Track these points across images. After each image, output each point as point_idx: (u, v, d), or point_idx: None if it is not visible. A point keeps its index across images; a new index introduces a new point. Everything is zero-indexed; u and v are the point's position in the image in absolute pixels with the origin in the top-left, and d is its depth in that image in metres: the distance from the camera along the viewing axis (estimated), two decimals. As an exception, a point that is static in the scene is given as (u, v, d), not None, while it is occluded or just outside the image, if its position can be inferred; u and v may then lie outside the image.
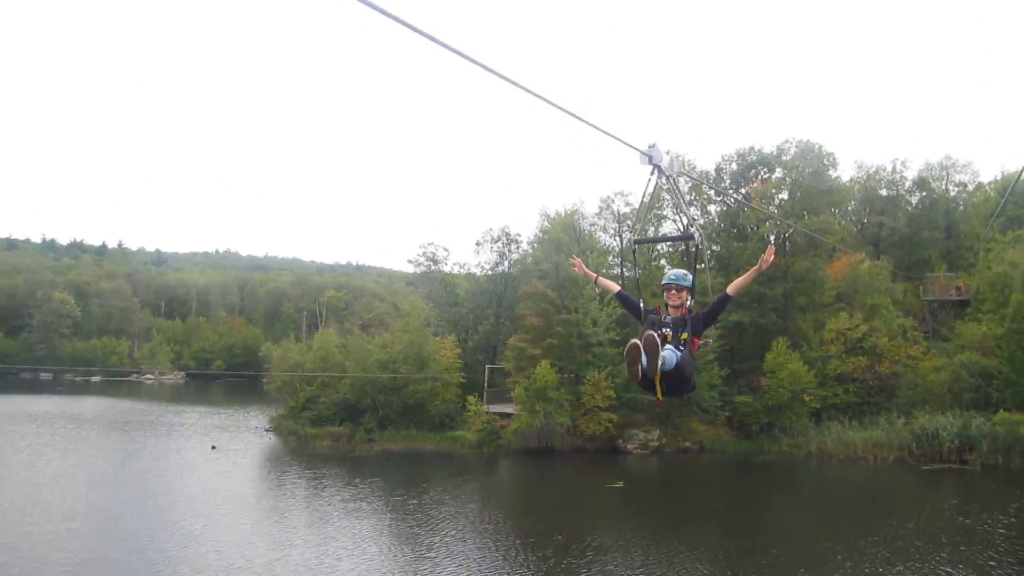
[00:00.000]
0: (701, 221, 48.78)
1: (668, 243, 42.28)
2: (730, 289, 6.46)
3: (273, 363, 46.70)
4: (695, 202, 50.08)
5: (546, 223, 52.79)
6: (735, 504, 30.93)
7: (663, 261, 48.50)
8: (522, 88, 4.40)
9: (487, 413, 39.12)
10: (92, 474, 32.73)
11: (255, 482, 32.27)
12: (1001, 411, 35.68)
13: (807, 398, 39.48)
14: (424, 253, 54.60)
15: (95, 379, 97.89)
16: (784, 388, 39.38)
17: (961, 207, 58.47)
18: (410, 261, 57.62)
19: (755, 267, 6.18)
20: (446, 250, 54.87)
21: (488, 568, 19.97)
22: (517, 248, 50.11)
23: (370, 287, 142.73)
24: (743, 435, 40.25)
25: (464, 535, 23.59)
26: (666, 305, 6.19)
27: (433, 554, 21.26)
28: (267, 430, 44.09)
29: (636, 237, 8.73)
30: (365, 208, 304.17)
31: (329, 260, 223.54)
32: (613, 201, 49.55)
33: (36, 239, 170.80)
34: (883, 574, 19.36)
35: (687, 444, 38.69)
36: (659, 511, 28.75)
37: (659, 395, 5.76)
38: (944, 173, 61.65)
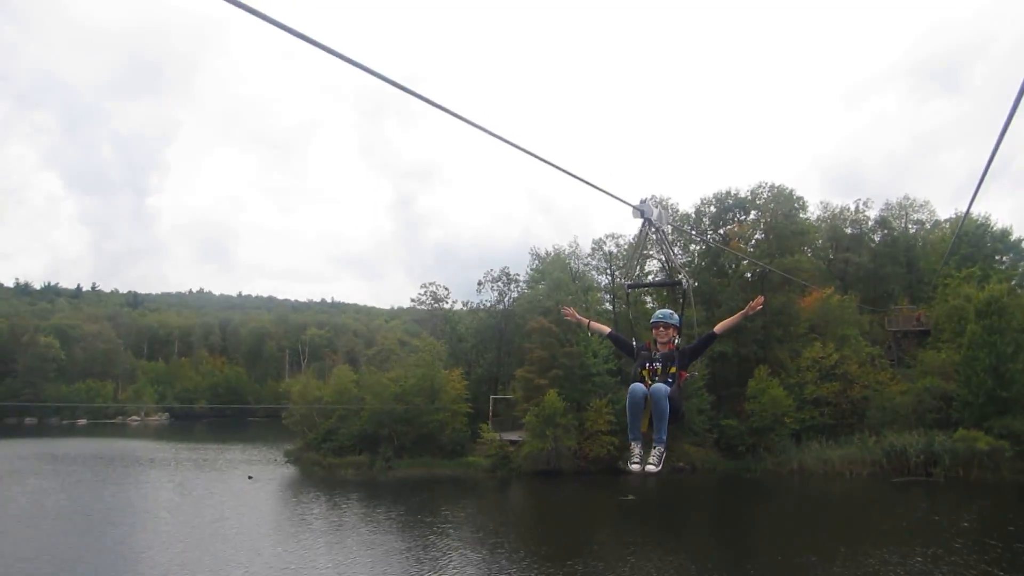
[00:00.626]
0: (683, 259, 53.09)
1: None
2: (717, 328, 7.05)
3: (292, 398, 49.67)
4: (677, 241, 54.60)
5: (536, 262, 57.11)
6: (726, 516, 34.74)
7: (648, 299, 52.62)
8: (514, 146, 5.08)
9: (499, 440, 42.61)
10: (157, 504, 35.46)
11: (302, 505, 35.39)
12: (960, 429, 40.16)
13: (787, 420, 43.72)
14: (427, 292, 58.38)
15: (81, 422, 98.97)
16: (766, 412, 43.59)
17: (920, 244, 63.69)
18: (413, 300, 61.29)
19: (743, 311, 6.91)
20: (446, 289, 58.79)
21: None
22: (517, 287, 54.01)
23: (350, 324, 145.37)
24: (730, 455, 44.23)
25: (489, 547, 26.98)
26: (655, 341, 6.84)
27: (461, 563, 24.59)
28: (286, 461, 46.98)
29: (629, 282, 9.48)
30: (335, 245, 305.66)
31: (303, 298, 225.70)
32: (605, 243, 53.91)
33: (8, 283, 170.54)
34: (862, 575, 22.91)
35: (680, 464, 42.46)
36: (660, 522, 32.53)
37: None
38: (903, 212, 67.36)
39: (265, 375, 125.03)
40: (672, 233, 55.36)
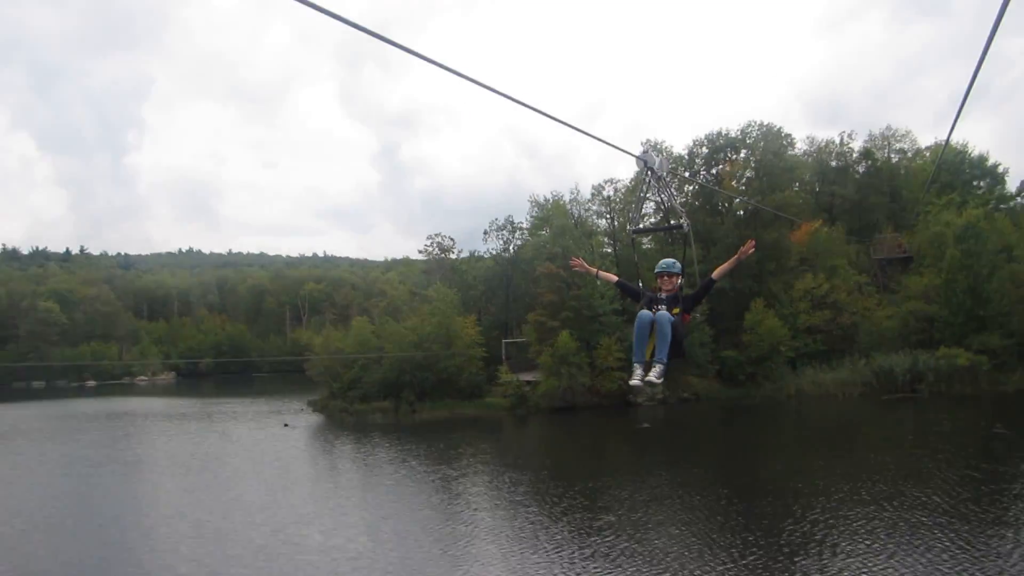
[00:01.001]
0: (679, 200, 55.50)
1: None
2: (715, 274, 7.40)
3: (315, 350, 52.35)
4: (671, 183, 56.85)
5: (536, 210, 59.41)
6: (731, 439, 38.13)
7: (645, 241, 55.15)
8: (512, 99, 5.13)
9: (516, 380, 45.68)
10: (218, 450, 38.30)
11: (340, 446, 38.45)
12: (942, 347, 43.63)
13: (783, 348, 46.98)
14: (433, 243, 60.83)
15: (90, 383, 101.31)
16: (763, 342, 46.81)
17: (903, 173, 66.35)
18: (420, 251, 63.66)
19: (736, 256, 7.14)
20: (451, 239, 61.27)
21: (547, 502, 26.23)
22: (520, 235, 56.45)
23: (347, 277, 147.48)
24: (731, 384, 47.59)
25: (516, 474, 30.06)
26: (659, 288, 7.29)
27: (491, 491, 27.68)
28: (312, 410, 49.97)
29: (633, 228, 9.97)
30: (321, 198, 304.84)
31: (293, 253, 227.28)
32: (603, 188, 56.22)
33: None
34: (859, 485, 25.64)
35: (685, 395, 45.80)
36: (671, 445, 35.85)
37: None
38: (886, 143, 69.82)
39: (267, 331, 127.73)
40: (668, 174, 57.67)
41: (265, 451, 37.32)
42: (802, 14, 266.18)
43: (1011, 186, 61.51)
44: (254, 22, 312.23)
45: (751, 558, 17.67)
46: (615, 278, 8.28)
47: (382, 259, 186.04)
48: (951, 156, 59.00)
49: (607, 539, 19.50)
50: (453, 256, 61.13)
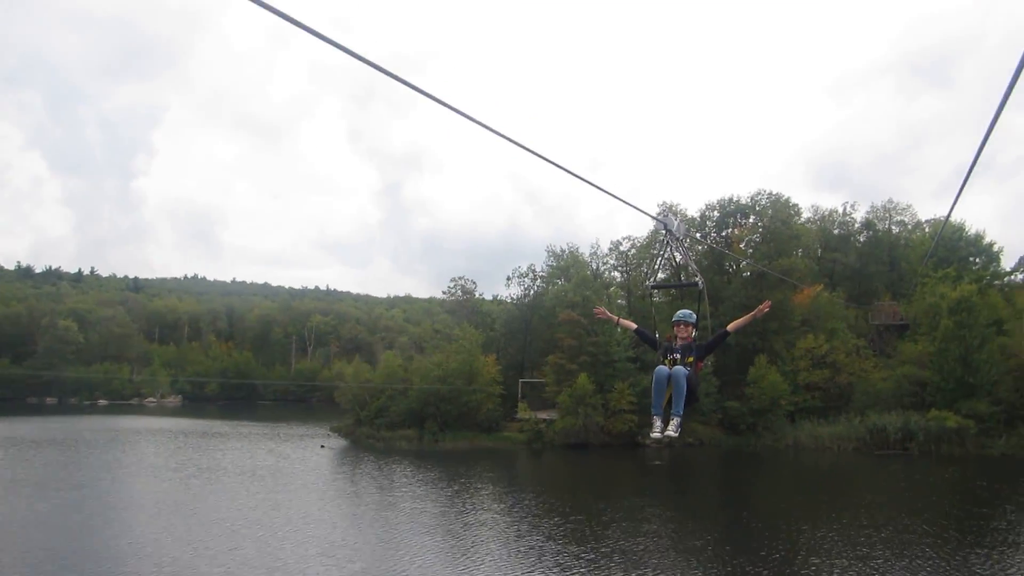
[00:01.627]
0: (692, 258, 59.73)
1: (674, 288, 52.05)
2: (730, 327, 8.06)
3: (347, 379, 55.93)
4: (687, 242, 61.26)
5: (552, 259, 63.63)
6: (730, 482, 41.44)
7: (659, 297, 59.10)
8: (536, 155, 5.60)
9: (534, 417, 49.17)
10: (257, 467, 41.55)
11: (369, 468, 41.63)
12: (933, 410, 47.16)
13: (783, 402, 50.55)
14: (456, 285, 64.92)
15: (101, 402, 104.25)
16: (765, 395, 50.39)
17: (902, 244, 70.73)
18: (444, 292, 67.72)
19: (753, 313, 7.89)
20: (474, 283, 65.41)
21: (555, 533, 29.60)
22: (540, 283, 60.56)
23: (352, 312, 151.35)
24: (733, 432, 51.03)
25: (529, 504, 33.37)
26: (675, 336, 7.88)
27: (505, 517, 30.96)
28: (337, 435, 53.25)
29: (652, 283, 11.05)
30: (321, 231, 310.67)
31: (295, 284, 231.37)
32: (621, 244, 60.43)
33: (8, 266, 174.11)
34: (848, 534, 28.27)
35: (690, 440, 49.16)
36: (675, 486, 39.14)
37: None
38: (887, 215, 74.30)
39: (272, 360, 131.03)
40: (685, 237, 62.02)
41: (314, 466, 40.75)
42: (813, 81, 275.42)
43: (1006, 263, 65.64)
44: (269, 56, 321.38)
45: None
46: (634, 326, 8.73)
47: (384, 295, 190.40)
48: (949, 232, 63.28)
49: (609, 561, 22.55)
50: (477, 296, 65.25)
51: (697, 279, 8.35)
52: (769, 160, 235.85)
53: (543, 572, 20.84)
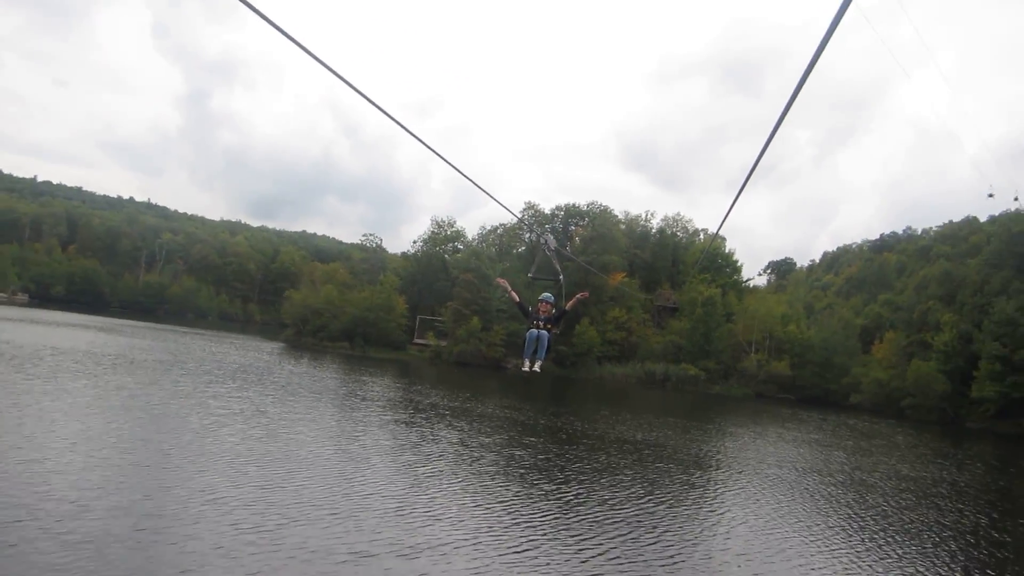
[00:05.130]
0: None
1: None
2: (567, 307, 12.55)
3: (294, 300, 77.12)
4: (554, 254, 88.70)
5: (434, 226, 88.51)
6: (556, 397, 69.00)
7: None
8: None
9: (437, 343, 74.25)
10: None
11: (330, 370, 64.20)
12: (683, 363, 78.08)
13: (595, 350, 79.30)
14: (370, 240, 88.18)
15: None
16: (584, 344, 78.76)
17: (684, 247, 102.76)
18: (361, 240, 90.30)
19: (577, 296, 12.73)
20: (379, 238, 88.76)
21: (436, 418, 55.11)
22: (428, 245, 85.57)
23: (198, 233, 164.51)
24: (562, 367, 79.10)
25: (426, 397, 58.66)
26: (539, 310, 12.09)
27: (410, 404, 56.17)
28: (283, 342, 74.57)
29: (531, 275, 16.29)
30: (108, 129, 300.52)
31: (69, 182, 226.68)
32: (497, 229, 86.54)
33: None
34: (620, 425, 57.18)
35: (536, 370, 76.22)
36: (526, 394, 66.10)
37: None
38: (676, 223, 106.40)
39: (121, 270, 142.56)
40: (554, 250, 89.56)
41: (279, 362, 62.68)
42: (635, 66, 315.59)
43: (751, 270, 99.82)
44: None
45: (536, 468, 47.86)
46: (518, 299, 12.81)
47: (218, 219, 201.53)
48: (714, 248, 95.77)
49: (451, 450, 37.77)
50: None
51: (560, 277, 12.86)
52: (587, 132, 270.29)
53: (412, 430, 46.35)
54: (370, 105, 5.91)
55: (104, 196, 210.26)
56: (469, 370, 71.59)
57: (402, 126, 6.42)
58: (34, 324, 64.67)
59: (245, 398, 33.53)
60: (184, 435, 23.06)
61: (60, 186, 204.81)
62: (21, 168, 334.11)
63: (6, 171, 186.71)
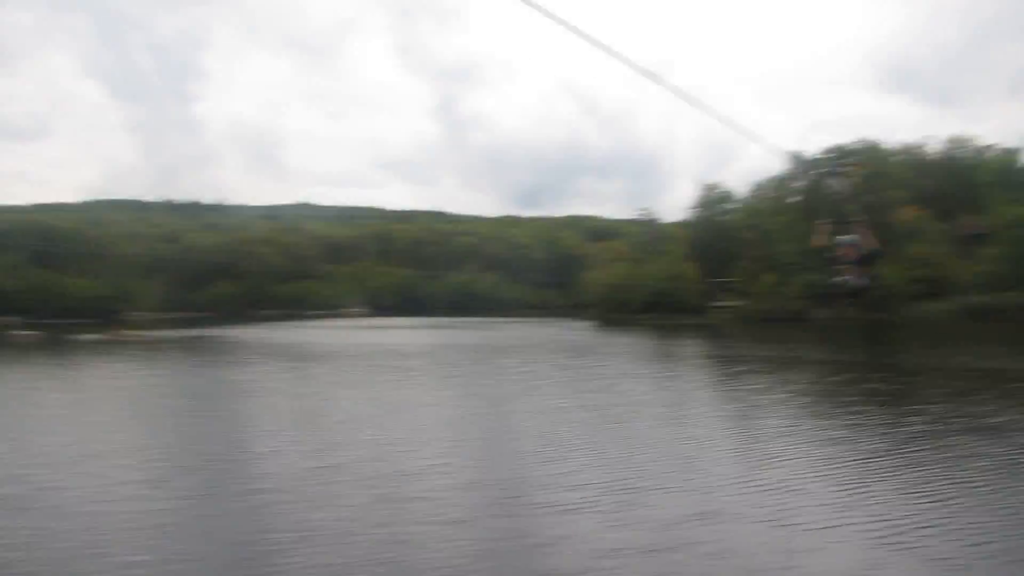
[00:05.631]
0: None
1: None
2: (868, 248, 13.71)
3: (591, 280, 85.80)
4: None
5: (704, 190, 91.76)
6: (879, 341, 69.40)
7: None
8: None
9: (736, 303, 78.53)
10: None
11: (641, 336, 70.75)
12: (1007, 291, 74.45)
13: (903, 290, 78.19)
14: (646, 213, 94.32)
15: (309, 313, 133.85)
16: (889, 285, 77.96)
17: (974, 168, 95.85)
18: (638, 215, 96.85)
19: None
20: (653, 211, 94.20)
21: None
22: (705, 210, 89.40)
23: (482, 231, 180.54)
24: (872, 310, 78.91)
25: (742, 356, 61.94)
26: (845, 255, 13.02)
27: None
28: (590, 319, 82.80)
29: (820, 223, 15.03)
30: (381, 150, 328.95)
31: (362, 203, 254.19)
32: (765, 183, 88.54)
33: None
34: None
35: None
36: (847, 346, 67.55)
37: None
38: (959, 144, 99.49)
39: (431, 275, 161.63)
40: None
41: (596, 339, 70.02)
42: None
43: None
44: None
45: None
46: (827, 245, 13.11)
47: (495, 216, 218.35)
48: (1012, 161, 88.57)
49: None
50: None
51: (856, 218, 13.67)
52: (835, 64, 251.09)
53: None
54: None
55: (394, 211, 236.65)
56: (775, 325, 73.87)
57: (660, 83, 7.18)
58: (414, 330, 78.06)
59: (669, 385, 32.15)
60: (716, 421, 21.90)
61: (358, 208, 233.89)
62: (324, 196, 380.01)
63: (313, 202, 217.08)
